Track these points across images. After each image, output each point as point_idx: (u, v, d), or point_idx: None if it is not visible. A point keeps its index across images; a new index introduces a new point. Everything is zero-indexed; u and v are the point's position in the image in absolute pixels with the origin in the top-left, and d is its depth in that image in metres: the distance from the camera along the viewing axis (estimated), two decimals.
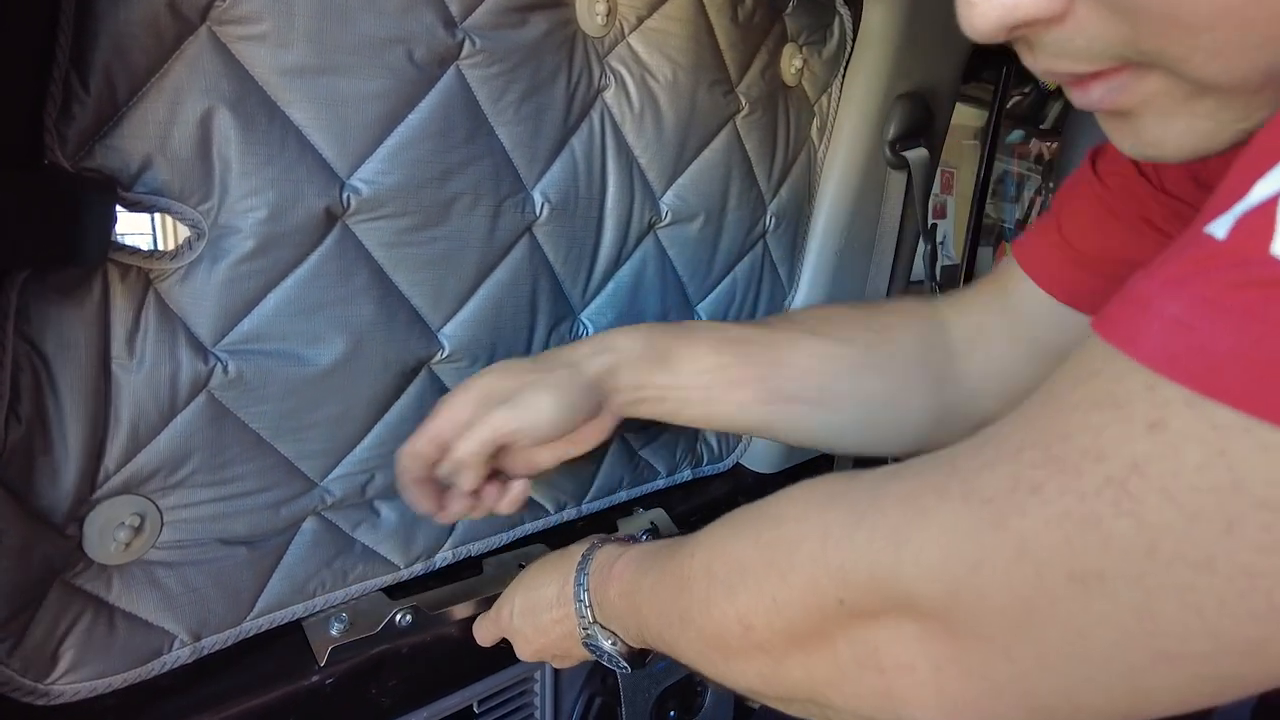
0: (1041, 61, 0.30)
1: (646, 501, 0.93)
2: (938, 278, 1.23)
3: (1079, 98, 0.31)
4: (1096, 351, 0.26)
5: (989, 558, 0.27)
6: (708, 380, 0.62)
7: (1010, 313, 0.62)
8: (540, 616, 0.59)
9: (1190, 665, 0.24)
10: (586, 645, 0.55)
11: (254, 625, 0.61)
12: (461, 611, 0.71)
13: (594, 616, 0.54)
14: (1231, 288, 0.22)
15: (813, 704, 0.38)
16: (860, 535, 0.33)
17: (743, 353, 0.63)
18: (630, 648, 0.54)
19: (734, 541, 0.41)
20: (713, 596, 0.41)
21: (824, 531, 0.35)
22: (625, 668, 0.55)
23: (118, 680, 0.54)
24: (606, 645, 0.54)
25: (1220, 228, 0.23)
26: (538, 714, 0.77)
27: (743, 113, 0.82)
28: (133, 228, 0.59)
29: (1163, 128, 0.30)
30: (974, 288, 0.66)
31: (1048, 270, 0.59)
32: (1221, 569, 0.22)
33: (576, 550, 0.59)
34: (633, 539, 0.58)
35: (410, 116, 0.57)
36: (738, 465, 1.04)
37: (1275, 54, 0.25)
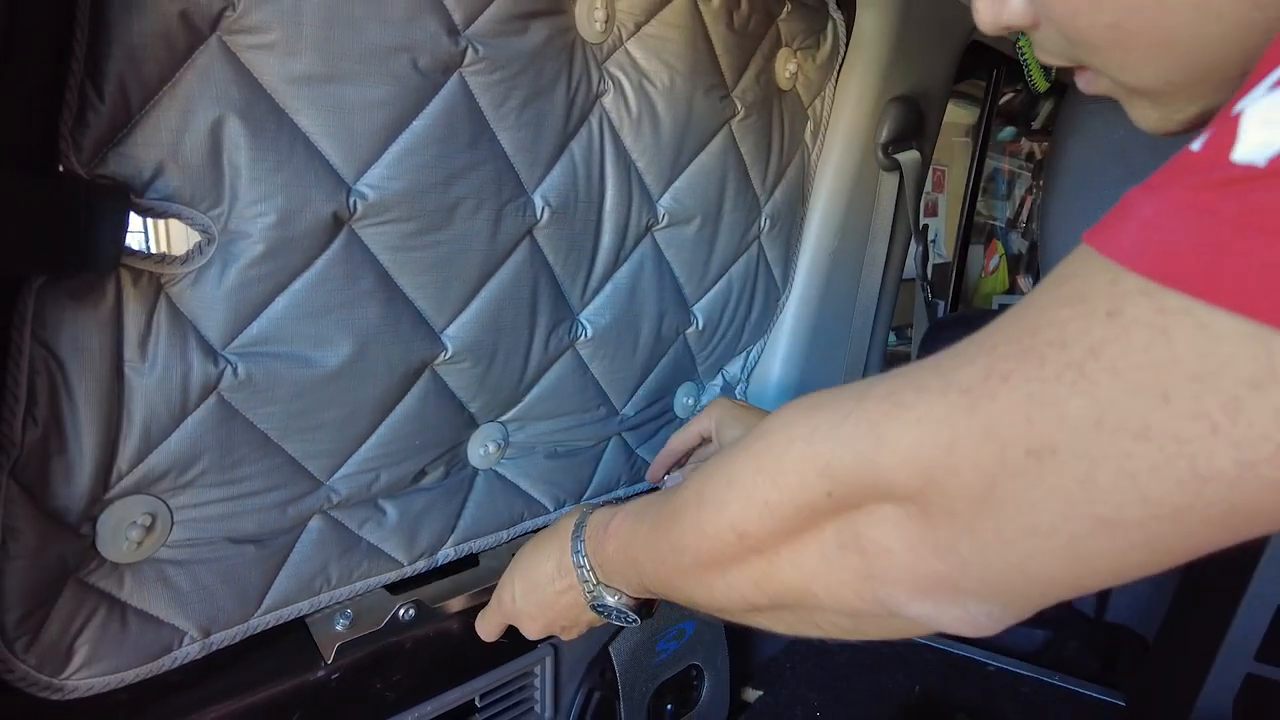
0: (1034, 50, 0.37)
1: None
2: (929, 276, 1.24)
3: (1077, 81, 0.38)
4: (1078, 256, 0.28)
5: (960, 439, 0.30)
6: None
7: None
8: (544, 591, 0.61)
9: (1124, 532, 0.27)
10: (594, 608, 0.58)
11: (261, 622, 0.62)
12: (462, 604, 0.72)
13: (598, 578, 0.57)
14: (1195, 189, 0.24)
15: (801, 608, 0.41)
16: (845, 429, 0.36)
17: None
18: (635, 599, 0.56)
19: (722, 463, 0.44)
20: (704, 515, 0.43)
21: (812, 431, 0.37)
22: (635, 619, 0.57)
23: (130, 675, 0.55)
24: (613, 601, 0.56)
25: (1198, 142, 0.25)
26: (538, 708, 0.79)
27: (738, 117, 0.84)
28: (139, 245, 0.59)
29: (1133, 111, 0.36)
30: None
31: None
32: (1156, 436, 0.25)
33: (567, 522, 0.61)
34: (619, 500, 0.60)
35: (415, 123, 0.59)
36: None
37: (1167, 70, 0.31)
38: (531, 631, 0.63)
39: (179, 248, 0.53)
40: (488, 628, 0.67)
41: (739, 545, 0.42)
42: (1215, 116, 0.26)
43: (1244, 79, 0.26)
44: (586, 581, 0.57)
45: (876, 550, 0.35)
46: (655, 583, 0.51)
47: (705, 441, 0.79)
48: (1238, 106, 0.24)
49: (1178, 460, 0.25)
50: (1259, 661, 0.78)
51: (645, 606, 0.57)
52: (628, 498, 0.92)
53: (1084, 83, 0.37)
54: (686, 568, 0.46)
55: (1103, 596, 1.07)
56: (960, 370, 0.31)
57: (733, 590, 0.44)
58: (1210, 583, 0.86)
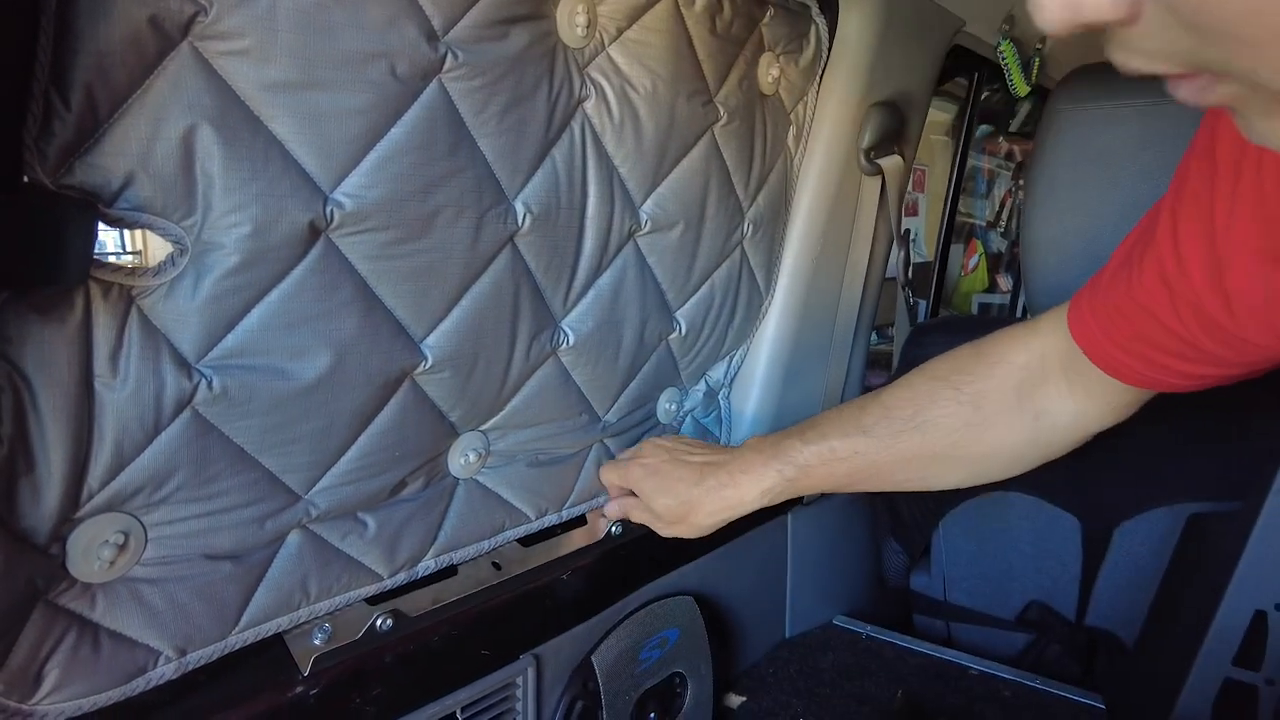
0: (1116, 55, 0.29)
1: None
2: (911, 280, 1.24)
3: (1173, 92, 0.30)
4: None
5: None
6: None
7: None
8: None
9: None
10: None
11: (239, 639, 0.61)
12: (441, 615, 0.71)
13: None
14: None
15: None
16: None
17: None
18: None
19: None
20: None
21: None
22: None
23: (103, 698, 0.54)
24: None
25: None
26: (519, 719, 0.78)
27: (721, 122, 0.83)
28: (114, 245, 0.58)
29: (1265, 124, 0.28)
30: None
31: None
32: None
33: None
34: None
35: (393, 130, 0.57)
36: None
37: None
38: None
39: (157, 256, 0.52)
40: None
41: None
42: None
43: None
44: None
45: None
46: None
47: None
48: None
49: None
50: (1236, 666, 0.79)
51: None
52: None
53: (1193, 91, 0.29)
54: None
55: (1083, 602, 1.07)
56: None
57: None
58: (1189, 588, 0.87)
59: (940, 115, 3.12)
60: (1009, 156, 4.01)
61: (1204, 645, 0.79)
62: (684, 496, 0.79)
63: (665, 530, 0.83)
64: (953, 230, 1.91)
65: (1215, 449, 0.93)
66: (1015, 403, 0.69)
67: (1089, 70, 0.90)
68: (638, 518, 0.85)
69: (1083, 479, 1.02)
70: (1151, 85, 0.84)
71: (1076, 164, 0.86)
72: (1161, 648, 0.89)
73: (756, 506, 0.79)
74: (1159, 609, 0.93)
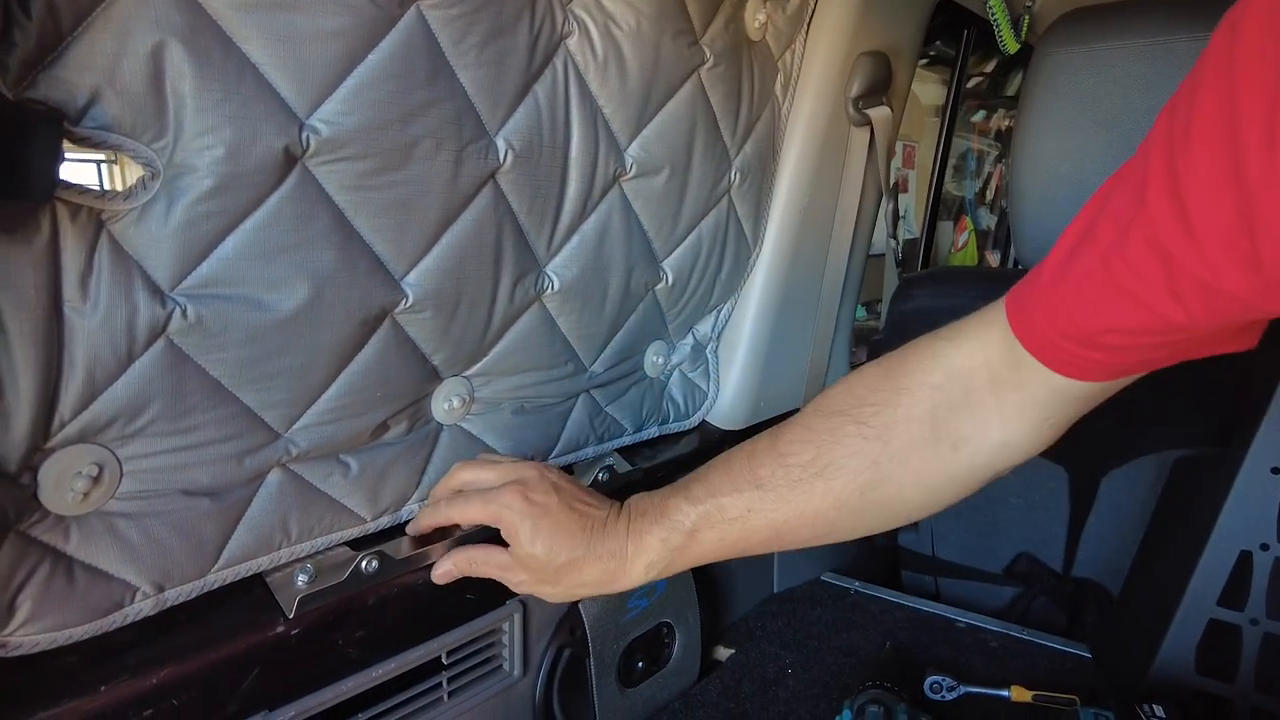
0: None
1: (612, 458, 0.93)
2: (898, 238, 1.24)
3: None
4: None
5: None
6: None
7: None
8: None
9: None
10: None
11: (218, 577, 0.60)
12: (426, 560, 0.71)
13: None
14: None
15: None
16: None
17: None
18: None
19: None
20: None
21: None
22: None
23: (78, 632, 0.53)
24: None
25: None
26: (506, 665, 0.78)
27: (707, 65, 0.82)
28: (82, 167, 0.57)
29: None
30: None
31: None
32: None
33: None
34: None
35: (370, 56, 0.56)
36: (703, 422, 1.05)
37: None
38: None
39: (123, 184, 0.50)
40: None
41: None
42: None
43: None
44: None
45: None
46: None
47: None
48: None
49: None
50: (1221, 607, 0.79)
51: None
52: (596, 457, 0.91)
53: None
54: None
55: (1070, 553, 1.08)
56: None
57: None
58: (1174, 530, 0.87)
59: (933, 98, 3.10)
60: (998, 135, 4.01)
61: (1189, 587, 0.79)
62: (571, 554, 0.65)
63: (528, 588, 0.69)
64: (940, 201, 1.90)
65: (1203, 395, 0.93)
66: (930, 431, 0.59)
67: (1079, 14, 0.89)
68: (495, 562, 0.68)
69: (1071, 428, 1.02)
70: (1145, 24, 0.83)
71: (1066, 108, 0.85)
72: (1147, 591, 0.90)
73: (638, 584, 0.67)
74: (1145, 552, 0.93)
